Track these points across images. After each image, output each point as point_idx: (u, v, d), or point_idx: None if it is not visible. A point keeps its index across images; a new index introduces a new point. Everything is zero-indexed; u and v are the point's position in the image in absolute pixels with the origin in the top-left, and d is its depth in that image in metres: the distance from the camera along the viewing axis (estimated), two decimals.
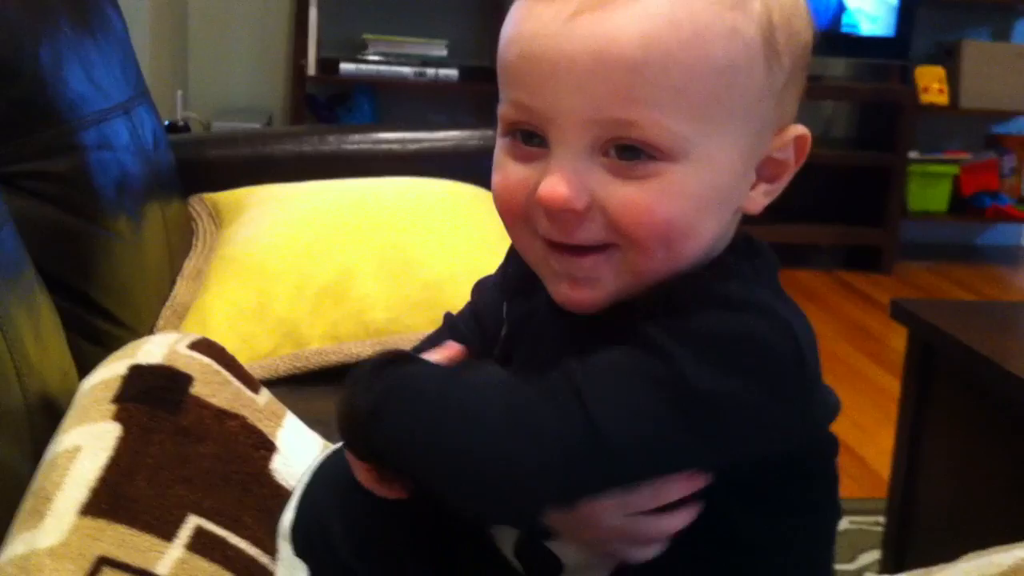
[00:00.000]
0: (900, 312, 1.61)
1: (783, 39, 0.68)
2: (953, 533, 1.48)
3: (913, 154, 4.21)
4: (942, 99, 4.23)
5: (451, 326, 0.85)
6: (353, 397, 0.69)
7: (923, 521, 1.58)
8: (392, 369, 0.69)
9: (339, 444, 0.84)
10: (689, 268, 0.68)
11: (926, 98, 4.19)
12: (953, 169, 4.36)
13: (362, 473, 0.73)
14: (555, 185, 0.65)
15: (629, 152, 0.65)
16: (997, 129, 4.63)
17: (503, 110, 0.69)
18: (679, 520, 0.68)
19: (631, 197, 0.65)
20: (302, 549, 0.79)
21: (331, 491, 0.79)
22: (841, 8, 4.11)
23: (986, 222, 4.53)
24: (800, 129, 0.71)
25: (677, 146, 0.64)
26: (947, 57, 4.30)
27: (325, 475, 0.81)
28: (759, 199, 0.72)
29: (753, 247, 0.72)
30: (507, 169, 0.69)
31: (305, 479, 0.81)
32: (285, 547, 0.79)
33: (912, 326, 1.59)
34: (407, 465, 0.68)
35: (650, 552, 0.69)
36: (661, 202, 0.65)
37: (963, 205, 4.41)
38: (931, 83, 4.23)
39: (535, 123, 0.67)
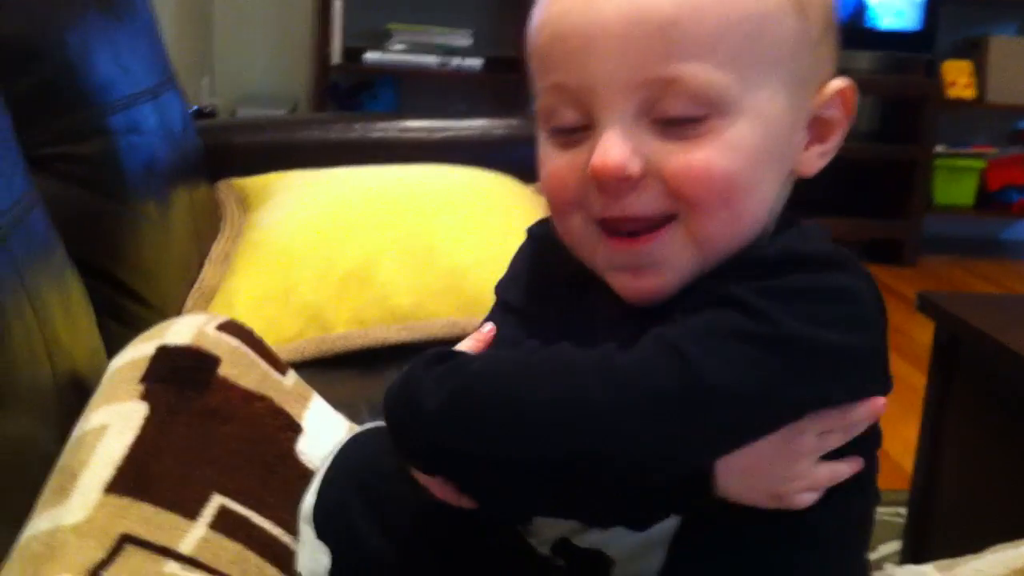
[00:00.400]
0: (926, 304, 1.60)
1: None
2: (972, 526, 1.48)
3: (940, 148, 4.18)
4: (969, 93, 4.20)
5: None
6: (411, 398, 0.67)
7: (943, 513, 1.57)
8: (451, 362, 0.67)
9: (360, 428, 0.85)
10: (753, 236, 0.68)
11: (953, 92, 4.16)
12: (979, 163, 4.34)
13: (437, 488, 0.70)
14: (607, 152, 0.65)
15: (676, 121, 0.65)
16: (1023, 124, 4.59)
17: (542, 101, 0.69)
18: (852, 466, 0.69)
19: (687, 157, 0.65)
20: (324, 533, 0.79)
21: (352, 476, 0.79)
22: (861, 3, 4.08)
23: (1012, 217, 4.50)
24: (842, 82, 0.71)
25: (722, 97, 0.65)
26: (974, 51, 4.27)
27: (346, 459, 0.81)
28: (814, 160, 0.72)
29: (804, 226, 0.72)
30: (553, 158, 0.69)
31: (326, 463, 0.81)
32: (307, 530, 0.79)
33: (938, 319, 1.58)
34: (485, 459, 0.64)
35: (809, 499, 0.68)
36: (718, 159, 0.65)
37: (989, 200, 4.38)
38: (958, 77, 4.20)
39: (578, 101, 0.66)
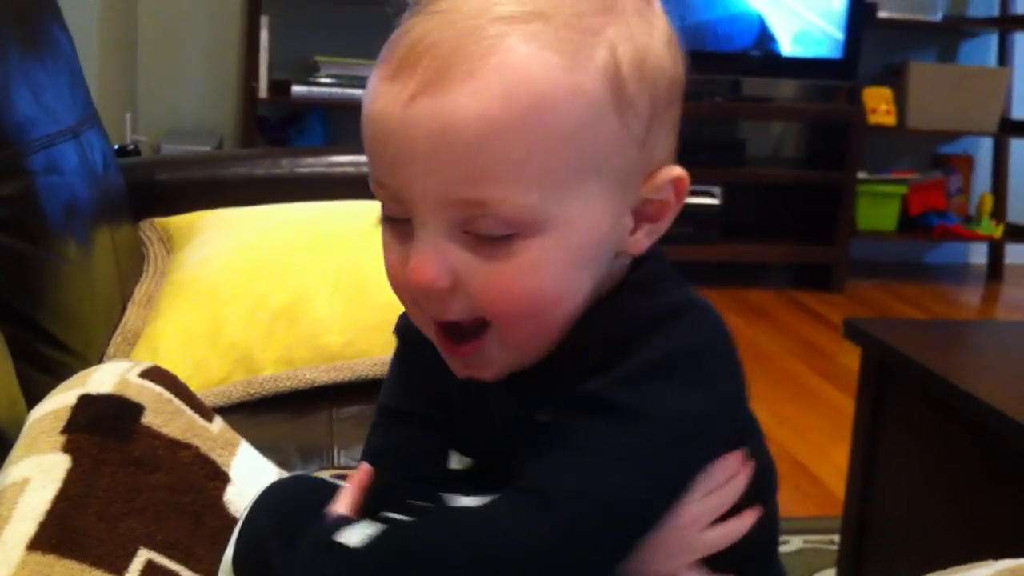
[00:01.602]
0: (853, 331, 1.62)
1: (635, 86, 0.65)
2: (908, 550, 1.49)
3: (862, 174, 4.26)
4: (890, 120, 4.28)
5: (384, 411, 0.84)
6: None
7: (878, 539, 1.59)
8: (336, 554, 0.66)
9: (273, 481, 0.84)
10: (569, 325, 0.68)
11: (874, 119, 4.25)
12: (901, 189, 4.42)
13: None
14: (418, 266, 0.65)
15: (486, 238, 0.64)
16: (943, 149, 4.70)
17: (372, 187, 0.68)
18: (745, 521, 0.71)
19: (493, 276, 0.65)
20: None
21: (270, 516, 0.78)
22: (765, 30, 4.15)
23: (934, 241, 4.59)
24: (676, 171, 0.70)
25: (530, 219, 0.63)
26: (894, 78, 4.36)
27: (265, 505, 0.80)
28: (642, 240, 0.70)
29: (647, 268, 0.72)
30: (388, 249, 0.69)
31: (244, 512, 0.81)
32: None
33: (866, 345, 1.60)
34: None
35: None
36: (525, 278, 0.65)
37: (911, 224, 4.47)
38: (879, 104, 4.28)
39: (397, 202, 0.66)
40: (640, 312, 0.67)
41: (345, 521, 0.68)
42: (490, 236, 0.64)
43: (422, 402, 0.80)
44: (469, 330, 0.68)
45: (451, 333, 0.68)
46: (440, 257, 0.65)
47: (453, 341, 0.69)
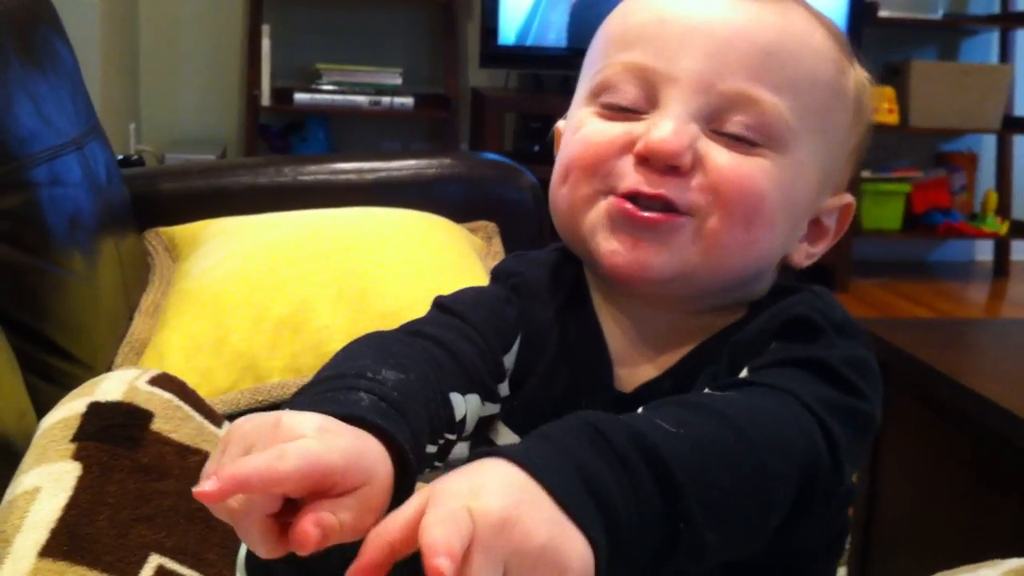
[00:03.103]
0: None
1: (865, 107, 0.74)
2: (913, 548, 1.49)
3: (865, 173, 4.26)
4: (892, 118, 4.28)
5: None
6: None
7: (884, 537, 1.59)
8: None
9: None
10: (750, 277, 0.71)
11: (876, 117, 4.23)
12: (905, 187, 4.42)
13: None
14: (669, 134, 0.65)
15: (734, 138, 0.67)
16: (946, 147, 4.69)
17: (603, 75, 0.69)
18: None
19: (736, 162, 0.66)
20: None
21: None
22: None
23: (938, 239, 4.59)
24: (849, 197, 0.75)
25: (785, 136, 0.67)
26: (895, 77, 4.36)
27: None
28: (802, 255, 0.75)
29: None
30: (598, 124, 0.69)
31: None
32: None
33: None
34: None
35: None
36: (762, 177, 0.67)
37: (915, 222, 4.46)
38: (880, 103, 4.28)
39: (647, 83, 0.68)
40: (834, 316, 0.70)
41: None
42: (738, 136, 0.67)
43: (493, 360, 0.74)
44: (657, 208, 0.67)
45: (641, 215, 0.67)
46: (689, 134, 0.66)
47: (638, 208, 0.67)
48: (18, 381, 1.10)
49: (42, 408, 1.00)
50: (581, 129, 0.70)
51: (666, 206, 0.67)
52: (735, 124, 0.67)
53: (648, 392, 0.72)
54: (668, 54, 0.67)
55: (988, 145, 4.66)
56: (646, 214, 0.67)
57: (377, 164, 1.90)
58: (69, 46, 1.55)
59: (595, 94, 0.70)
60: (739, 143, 0.67)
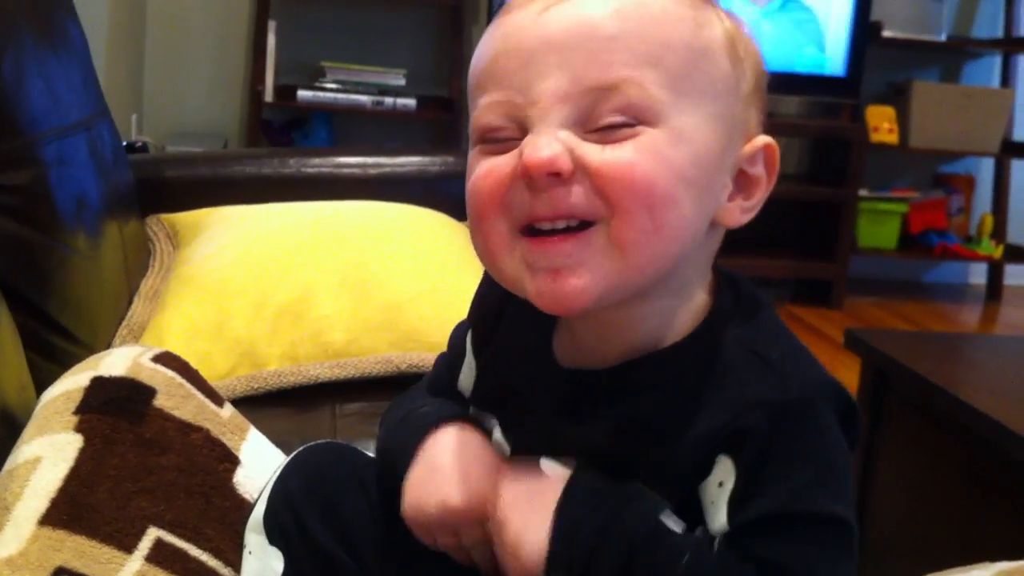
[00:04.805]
0: (853, 341, 1.63)
1: (743, 49, 0.72)
2: (905, 557, 1.50)
3: (863, 192, 4.27)
4: (892, 138, 4.30)
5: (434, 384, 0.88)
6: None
7: (876, 545, 1.60)
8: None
9: (305, 445, 0.87)
10: (674, 262, 0.69)
11: (876, 137, 4.26)
12: (902, 207, 4.43)
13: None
14: (538, 147, 0.66)
15: (608, 127, 0.67)
16: (945, 168, 4.71)
17: (477, 117, 0.70)
18: None
19: (613, 155, 0.66)
20: (275, 537, 0.80)
21: (306, 480, 0.81)
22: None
23: (933, 260, 4.60)
24: (766, 138, 0.73)
25: (656, 109, 0.67)
26: (897, 97, 4.37)
27: (298, 467, 0.83)
28: (737, 213, 0.73)
29: (746, 295, 0.76)
30: (482, 165, 0.70)
31: (275, 474, 0.83)
32: (256, 539, 0.80)
33: (865, 355, 1.61)
34: None
35: None
36: (642, 160, 0.66)
37: (911, 242, 4.48)
38: (881, 122, 4.29)
39: (513, 116, 0.68)
40: (768, 383, 0.69)
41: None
42: (611, 124, 0.66)
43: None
44: (569, 232, 0.67)
45: (547, 237, 0.68)
46: (559, 137, 0.66)
47: (546, 237, 0.68)
48: (20, 354, 1.11)
49: (39, 384, 1.00)
50: (471, 173, 0.71)
51: (568, 225, 0.67)
52: (603, 115, 0.66)
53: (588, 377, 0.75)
54: (520, 84, 0.67)
55: (986, 168, 4.68)
56: (553, 239, 0.67)
57: (381, 159, 1.91)
58: (81, 29, 1.55)
59: (478, 135, 0.71)
60: (613, 132, 0.66)
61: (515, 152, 0.68)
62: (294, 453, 0.84)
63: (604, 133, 0.66)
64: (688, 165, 0.67)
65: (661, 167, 0.66)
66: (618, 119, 0.66)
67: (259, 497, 0.82)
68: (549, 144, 0.66)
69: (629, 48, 0.66)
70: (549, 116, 0.66)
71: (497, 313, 0.82)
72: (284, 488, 0.81)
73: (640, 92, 0.66)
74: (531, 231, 0.68)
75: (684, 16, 0.69)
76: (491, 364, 0.82)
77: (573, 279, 0.67)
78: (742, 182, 0.73)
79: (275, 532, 0.80)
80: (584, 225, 0.67)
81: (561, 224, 0.67)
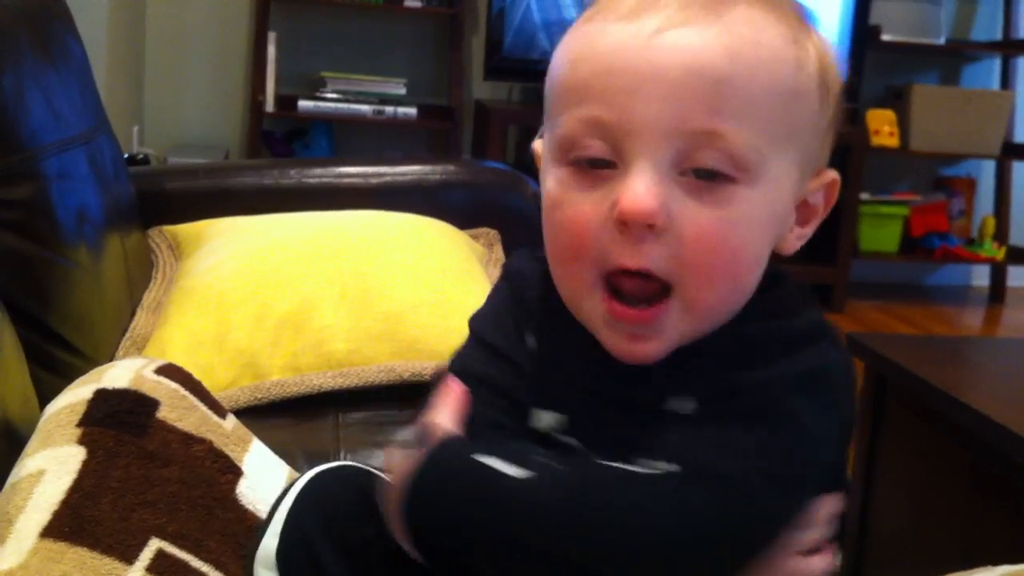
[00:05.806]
0: (854, 345, 1.63)
1: (831, 80, 0.72)
2: (907, 560, 1.50)
3: (864, 195, 4.27)
4: (892, 142, 4.30)
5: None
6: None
7: (878, 549, 1.60)
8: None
9: (315, 470, 0.84)
10: (738, 307, 0.70)
11: (877, 140, 4.26)
12: (903, 210, 4.43)
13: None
14: (640, 197, 0.65)
15: (706, 175, 0.66)
16: (945, 171, 4.71)
17: (564, 131, 0.69)
18: (828, 559, 0.74)
19: (707, 223, 0.66)
20: (289, 574, 0.78)
21: (319, 515, 0.79)
22: None
23: (935, 263, 4.60)
24: (834, 174, 0.74)
25: (754, 162, 0.66)
26: (897, 100, 4.38)
27: (310, 499, 0.80)
28: (793, 241, 0.74)
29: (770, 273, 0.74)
30: (574, 200, 0.69)
31: (287, 506, 0.80)
32: (267, 574, 0.78)
33: (867, 359, 1.61)
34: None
35: None
36: (735, 228, 0.66)
37: (913, 245, 4.48)
38: (882, 126, 4.30)
39: (610, 137, 0.67)
40: (793, 323, 0.71)
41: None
42: (710, 173, 0.66)
43: (504, 335, 0.80)
44: (644, 296, 0.68)
45: (622, 297, 0.68)
46: (661, 191, 0.65)
47: (626, 305, 0.68)
48: (23, 367, 1.11)
49: (42, 398, 1.00)
50: (559, 207, 0.70)
51: (647, 291, 0.67)
52: (702, 160, 0.66)
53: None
54: (623, 106, 0.66)
55: (987, 171, 4.68)
56: (634, 312, 0.68)
57: (382, 169, 1.90)
58: (80, 43, 1.56)
59: (562, 151, 0.70)
60: (713, 188, 0.66)
61: (607, 193, 0.67)
62: (304, 479, 0.81)
63: (700, 180, 0.66)
64: (771, 219, 0.69)
65: (750, 232, 0.67)
66: (716, 167, 0.66)
67: (267, 523, 0.80)
68: (647, 193, 0.65)
69: (736, 93, 0.65)
70: (651, 154, 0.65)
71: (540, 297, 0.79)
72: (297, 524, 0.78)
73: (742, 142, 0.65)
74: (611, 284, 0.68)
75: (788, 58, 0.68)
76: (544, 359, 0.78)
77: (650, 344, 0.69)
78: (802, 210, 0.74)
79: (287, 569, 0.78)
80: (664, 290, 0.67)
81: (643, 293, 0.68)
